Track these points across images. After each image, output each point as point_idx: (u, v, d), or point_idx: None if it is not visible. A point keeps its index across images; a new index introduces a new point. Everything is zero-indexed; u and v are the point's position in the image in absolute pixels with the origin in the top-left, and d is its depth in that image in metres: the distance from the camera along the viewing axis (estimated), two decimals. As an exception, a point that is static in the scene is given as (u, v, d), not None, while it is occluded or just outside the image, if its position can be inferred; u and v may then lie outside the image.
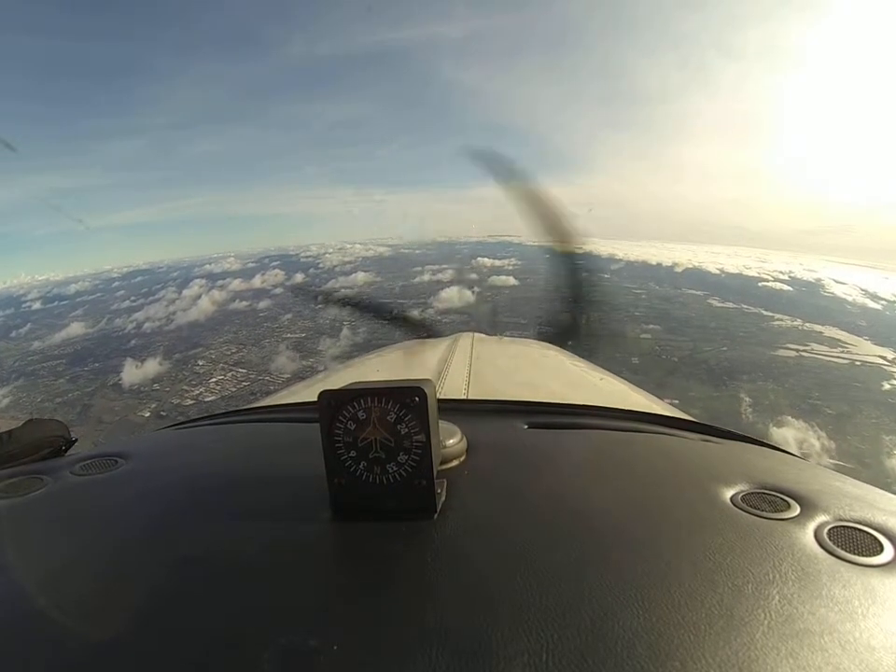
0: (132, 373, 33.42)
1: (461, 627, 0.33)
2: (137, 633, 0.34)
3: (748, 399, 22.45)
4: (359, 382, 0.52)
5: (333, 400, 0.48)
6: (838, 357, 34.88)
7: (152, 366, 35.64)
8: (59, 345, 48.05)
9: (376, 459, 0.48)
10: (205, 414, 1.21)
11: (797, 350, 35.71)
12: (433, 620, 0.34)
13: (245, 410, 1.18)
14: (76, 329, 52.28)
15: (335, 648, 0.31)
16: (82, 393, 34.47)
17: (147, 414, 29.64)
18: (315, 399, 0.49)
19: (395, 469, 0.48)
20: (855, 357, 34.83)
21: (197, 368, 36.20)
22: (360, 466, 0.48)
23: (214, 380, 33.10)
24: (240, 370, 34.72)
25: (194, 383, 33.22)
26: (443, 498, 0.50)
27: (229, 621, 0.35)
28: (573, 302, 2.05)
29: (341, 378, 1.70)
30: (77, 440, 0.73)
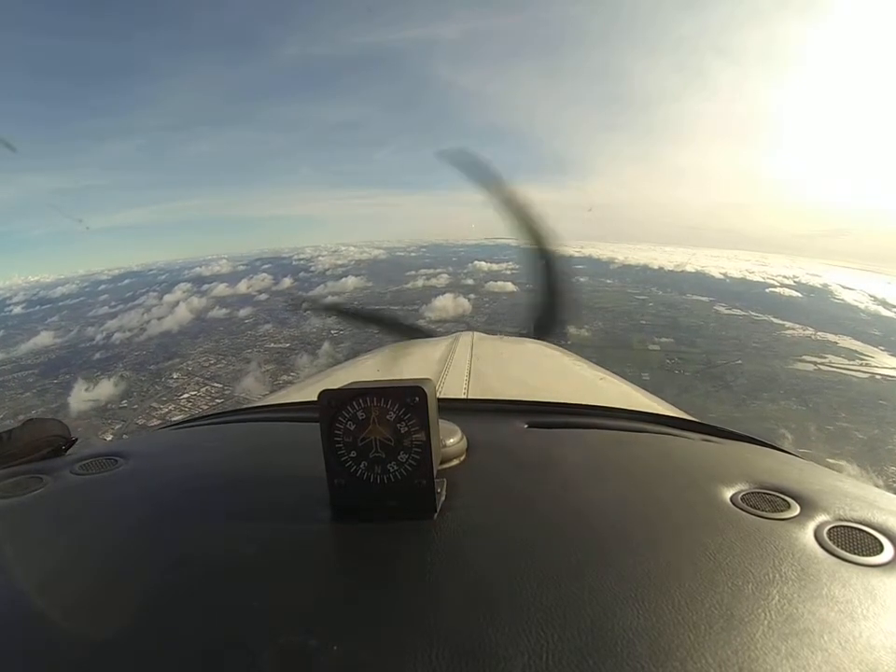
0: (79, 395, 30.55)
1: (461, 627, 0.33)
2: (137, 632, 0.35)
3: (789, 435, 19.99)
4: (359, 381, 0.52)
5: (333, 400, 0.49)
6: (857, 371, 33.04)
7: (117, 381, 32.81)
8: (31, 354, 44.99)
9: (376, 459, 0.48)
10: (205, 414, 1.24)
11: (814, 363, 33.94)
12: (433, 620, 0.34)
13: (245, 409, 1.18)
14: (44, 338, 49.46)
15: (335, 648, 0.32)
16: (47, 409, 31.50)
17: (110, 437, 26.72)
18: (315, 399, 0.49)
19: (395, 468, 0.48)
20: (874, 370, 33.31)
21: (170, 382, 33.82)
22: (360, 465, 0.48)
23: (185, 396, 30.75)
24: (215, 384, 32.19)
25: (164, 399, 30.78)
26: (443, 498, 0.50)
27: (228, 621, 0.35)
28: (549, 300, 2.07)
29: (340, 378, 1.69)
30: (77, 439, 0.74)
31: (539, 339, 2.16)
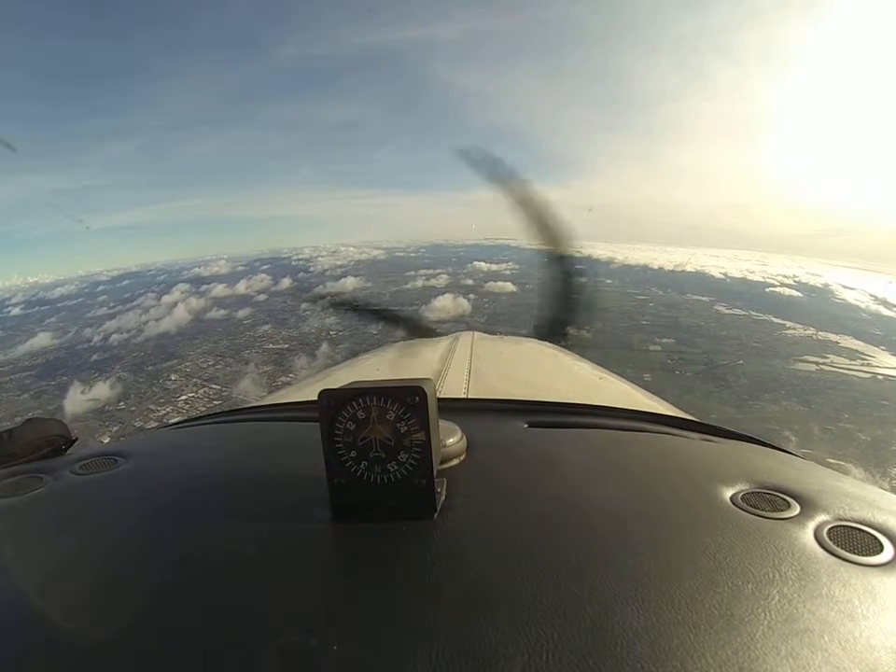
0: (75, 397, 30.25)
1: (461, 627, 0.33)
2: (137, 632, 0.35)
3: (793, 437, 19.74)
4: (359, 381, 0.52)
5: (333, 400, 0.49)
6: (859, 371, 32.78)
7: (115, 383, 32.51)
8: (29, 356, 44.65)
9: (376, 459, 0.48)
10: (205, 414, 1.23)
11: (816, 363, 33.69)
12: (433, 620, 0.34)
13: (245, 409, 1.18)
14: (41, 339, 48.99)
15: (335, 648, 0.32)
16: (44, 411, 31.16)
17: (107, 440, 26.40)
18: (315, 399, 0.49)
19: (395, 468, 0.48)
20: (876, 370, 32.97)
21: (168, 383, 33.40)
22: (360, 465, 0.49)
23: (183, 398, 30.44)
24: (213, 386, 31.88)
25: (162, 401, 30.49)
26: (443, 498, 0.50)
27: (228, 621, 0.35)
28: (564, 305, 2.08)
29: (340, 377, 1.69)
30: (77, 439, 0.75)
31: (541, 340, 2.19)
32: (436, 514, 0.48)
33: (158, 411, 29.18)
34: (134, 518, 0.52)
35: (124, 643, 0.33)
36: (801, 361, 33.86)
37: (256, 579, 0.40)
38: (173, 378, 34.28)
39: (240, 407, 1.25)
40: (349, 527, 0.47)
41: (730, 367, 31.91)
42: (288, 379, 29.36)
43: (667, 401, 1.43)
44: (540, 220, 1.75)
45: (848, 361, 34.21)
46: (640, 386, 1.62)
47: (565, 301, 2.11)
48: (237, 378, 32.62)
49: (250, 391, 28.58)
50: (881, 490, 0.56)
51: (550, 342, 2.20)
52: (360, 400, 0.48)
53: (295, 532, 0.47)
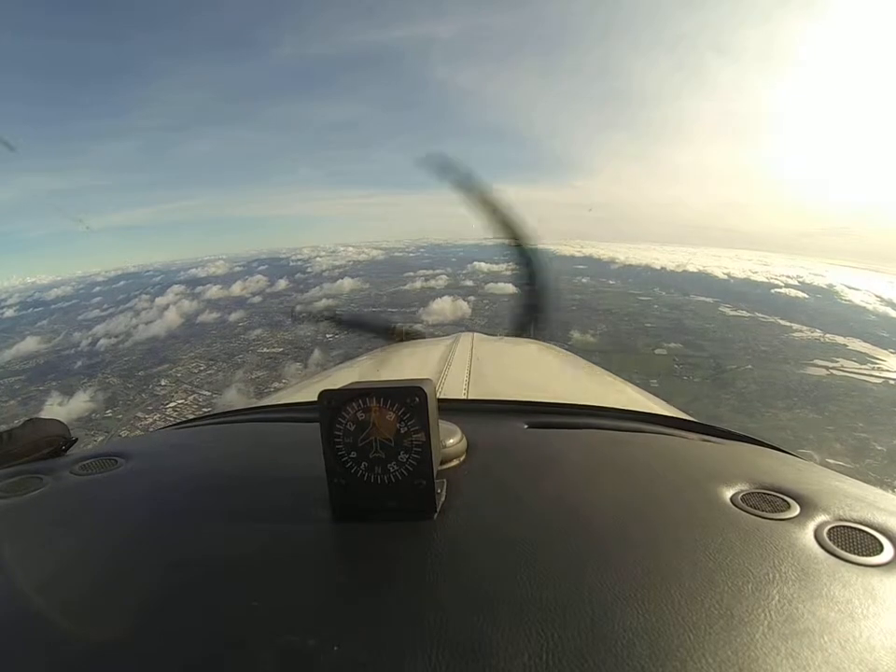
0: (64, 403, 29.25)
1: (461, 627, 0.33)
2: (137, 633, 0.35)
3: (816, 456, 18.69)
4: (359, 382, 0.53)
5: (333, 400, 0.49)
6: (870, 375, 31.87)
7: (103, 389, 31.48)
8: (19, 360, 43.56)
9: (376, 459, 0.49)
10: (205, 414, 1.26)
11: (826, 367, 32.93)
12: (433, 620, 0.34)
13: (245, 409, 1.19)
14: (29, 343, 47.87)
15: (335, 648, 0.32)
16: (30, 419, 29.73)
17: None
18: (315, 399, 0.50)
19: (395, 468, 0.48)
20: (887, 374, 31.79)
21: (158, 389, 32.45)
22: (360, 466, 0.49)
23: (172, 405, 29.34)
24: (203, 392, 30.71)
25: (150, 408, 29.65)
26: (443, 498, 0.51)
27: (229, 621, 0.35)
28: (531, 295, 2.19)
29: (340, 378, 1.71)
30: (76, 439, 0.76)
31: (522, 336, 2.22)
32: (436, 515, 0.48)
33: (146, 419, 28.29)
34: (135, 518, 0.53)
35: (124, 644, 0.34)
36: (811, 365, 33.15)
37: (256, 579, 0.40)
38: (163, 384, 33.44)
39: (240, 407, 1.25)
40: (349, 528, 0.48)
41: (738, 372, 31.43)
42: (281, 385, 28.29)
43: (670, 405, 1.43)
44: (502, 218, 1.86)
45: (858, 365, 33.54)
46: (649, 393, 1.61)
47: (533, 292, 2.20)
48: (228, 384, 31.67)
49: (236, 401, 27.52)
50: (881, 490, 0.57)
51: (524, 333, 2.25)
52: (360, 401, 0.48)
53: (295, 532, 0.47)
